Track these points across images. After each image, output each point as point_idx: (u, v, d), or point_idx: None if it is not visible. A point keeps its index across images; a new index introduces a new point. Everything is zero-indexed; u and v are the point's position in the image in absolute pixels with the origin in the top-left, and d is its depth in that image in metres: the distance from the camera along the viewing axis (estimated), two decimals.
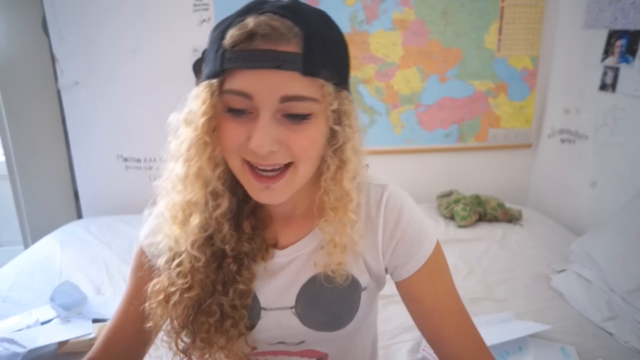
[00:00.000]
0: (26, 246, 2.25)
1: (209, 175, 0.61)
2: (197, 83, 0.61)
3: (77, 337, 1.29)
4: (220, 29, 0.58)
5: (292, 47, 0.55)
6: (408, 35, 2.29)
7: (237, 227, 0.68)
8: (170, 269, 0.66)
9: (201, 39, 2.22)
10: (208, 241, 0.66)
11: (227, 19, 0.59)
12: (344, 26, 2.24)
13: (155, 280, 0.67)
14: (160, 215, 0.67)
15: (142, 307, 0.68)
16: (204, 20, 2.21)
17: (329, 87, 0.58)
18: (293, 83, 0.55)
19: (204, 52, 2.30)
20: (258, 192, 0.61)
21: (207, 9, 2.20)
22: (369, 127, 2.36)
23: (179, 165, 0.62)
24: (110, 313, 1.47)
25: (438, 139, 2.45)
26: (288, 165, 0.60)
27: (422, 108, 2.40)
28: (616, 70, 1.91)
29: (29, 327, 1.35)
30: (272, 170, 0.59)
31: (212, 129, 0.59)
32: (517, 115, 2.45)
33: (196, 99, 0.60)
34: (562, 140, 2.29)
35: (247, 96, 0.55)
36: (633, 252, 1.46)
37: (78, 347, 1.29)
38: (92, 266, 1.80)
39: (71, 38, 2.20)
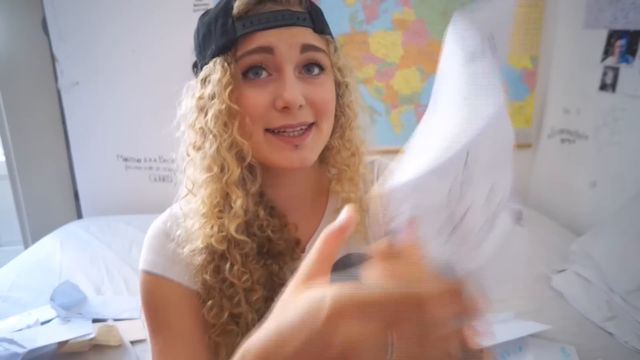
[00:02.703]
0: (26, 246, 2.25)
1: (242, 145, 0.59)
2: (196, 72, 0.62)
3: (77, 337, 1.29)
4: (220, 7, 0.59)
5: (300, 8, 0.59)
6: (408, 35, 2.29)
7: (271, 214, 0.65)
8: (218, 273, 0.61)
9: None
10: (248, 229, 0.62)
11: (216, 5, 0.61)
12: (344, 26, 2.23)
13: (210, 303, 0.61)
14: (190, 215, 0.63)
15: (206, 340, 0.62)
16: None
17: (333, 45, 0.63)
18: (309, 35, 0.59)
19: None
20: (289, 154, 0.59)
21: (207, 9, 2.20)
22: (369, 127, 2.36)
23: (209, 144, 0.59)
24: (110, 313, 1.49)
25: None
26: (311, 126, 0.60)
27: (422, 108, 2.40)
28: (616, 70, 1.91)
29: (29, 327, 1.35)
30: (299, 131, 0.59)
31: (236, 100, 0.59)
32: (517, 115, 2.45)
33: (211, 74, 0.59)
34: (562, 140, 2.29)
35: (268, 50, 0.57)
36: (633, 252, 1.46)
37: (78, 347, 1.29)
38: (92, 266, 1.80)
39: (71, 38, 2.20)
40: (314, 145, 0.61)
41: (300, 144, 0.59)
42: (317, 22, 0.60)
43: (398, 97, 2.37)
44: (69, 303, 1.47)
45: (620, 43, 1.89)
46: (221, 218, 0.60)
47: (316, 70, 0.59)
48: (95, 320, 1.42)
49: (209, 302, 0.61)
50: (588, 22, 2.06)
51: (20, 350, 1.20)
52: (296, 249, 0.66)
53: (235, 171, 0.59)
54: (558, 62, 2.32)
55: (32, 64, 2.30)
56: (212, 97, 0.58)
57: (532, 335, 1.34)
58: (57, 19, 2.17)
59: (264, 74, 0.58)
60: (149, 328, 0.63)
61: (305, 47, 0.58)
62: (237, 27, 0.57)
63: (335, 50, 0.64)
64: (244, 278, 0.60)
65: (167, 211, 0.69)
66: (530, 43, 2.34)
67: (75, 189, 2.48)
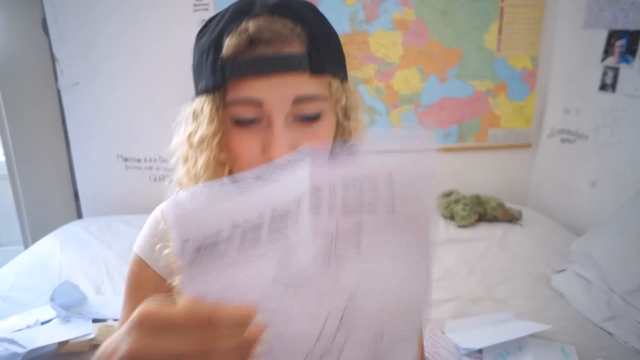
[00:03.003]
0: (26, 246, 2.25)
1: None
2: (194, 97, 0.59)
3: (77, 338, 1.29)
4: (213, 37, 0.54)
5: (297, 47, 0.53)
6: (408, 35, 2.29)
7: None
8: None
9: None
10: None
11: (213, 23, 0.57)
12: (344, 26, 2.24)
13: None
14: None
15: None
16: (203, 21, 2.21)
17: (336, 83, 0.57)
18: (303, 84, 0.53)
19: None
20: None
21: (207, 9, 2.20)
22: (368, 127, 2.36)
23: None
24: (110, 313, 1.49)
25: (438, 139, 2.44)
26: None
27: (422, 108, 2.40)
28: (616, 70, 1.91)
29: (29, 327, 1.35)
30: None
31: (224, 145, 0.56)
32: (517, 115, 2.45)
33: (199, 115, 0.57)
34: (562, 140, 2.29)
35: (257, 103, 0.53)
36: (633, 252, 1.46)
37: (78, 348, 1.29)
38: (92, 266, 1.80)
39: (71, 38, 2.20)
40: None
41: None
42: (316, 62, 0.53)
43: (398, 97, 2.37)
44: (69, 303, 1.47)
45: (620, 43, 1.89)
46: None
47: (311, 118, 0.55)
48: (95, 320, 1.42)
49: None
50: (588, 22, 2.06)
51: (20, 350, 1.20)
52: None
53: None
54: (558, 62, 2.32)
55: (32, 64, 2.30)
56: (202, 141, 0.56)
57: (532, 335, 1.34)
58: (57, 19, 2.17)
59: (255, 121, 0.54)
60: (124, 296, 0.67)
61: (298, 99, 0.53)
62: (226, 70, 0.52)
63: (339, 87, 0.57)
64: None
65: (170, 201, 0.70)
66: (530, 43, 2.34)
67: (75, 189, 2.48)
